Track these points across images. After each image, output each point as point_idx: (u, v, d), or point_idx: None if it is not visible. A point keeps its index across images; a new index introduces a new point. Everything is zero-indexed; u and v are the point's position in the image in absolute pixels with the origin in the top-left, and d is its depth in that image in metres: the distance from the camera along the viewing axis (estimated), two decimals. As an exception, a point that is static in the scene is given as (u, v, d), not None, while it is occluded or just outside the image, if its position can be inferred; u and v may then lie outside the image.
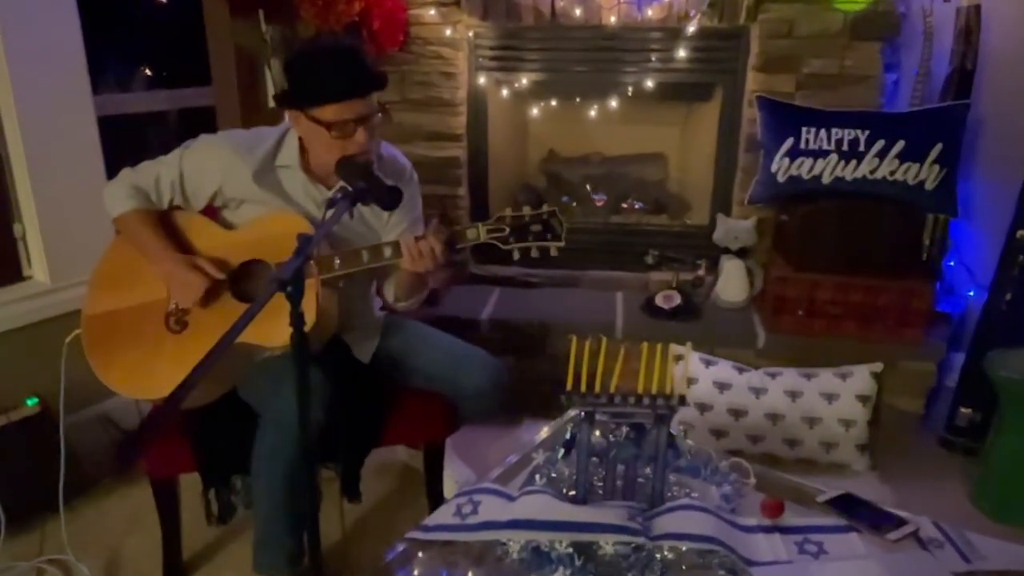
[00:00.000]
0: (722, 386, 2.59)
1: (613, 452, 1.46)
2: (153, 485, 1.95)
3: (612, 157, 3.26)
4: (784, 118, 2.63)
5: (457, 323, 2.75)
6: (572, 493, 1.52)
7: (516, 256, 1.84)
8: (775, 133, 2.64)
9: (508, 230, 1.82)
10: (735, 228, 2.82)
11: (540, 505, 1.43)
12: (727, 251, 2.85)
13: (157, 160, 1.94)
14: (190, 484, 1.95)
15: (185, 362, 1.81)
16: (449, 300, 2.95)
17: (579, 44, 2.83)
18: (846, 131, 2.56)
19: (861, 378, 2.54)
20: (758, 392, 2.57)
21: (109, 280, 1.93)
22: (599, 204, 3.18)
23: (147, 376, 1.83)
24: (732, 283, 2.85)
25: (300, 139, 1.89)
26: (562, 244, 1.84)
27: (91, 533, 2.22)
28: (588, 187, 3.22)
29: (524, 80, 2.90)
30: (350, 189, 1.65)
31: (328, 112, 1.74)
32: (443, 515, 1.50)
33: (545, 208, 1.83)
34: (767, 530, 1.47)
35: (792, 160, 2.62)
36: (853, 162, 2.57)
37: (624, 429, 1.48)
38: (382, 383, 2.06)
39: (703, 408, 2.58)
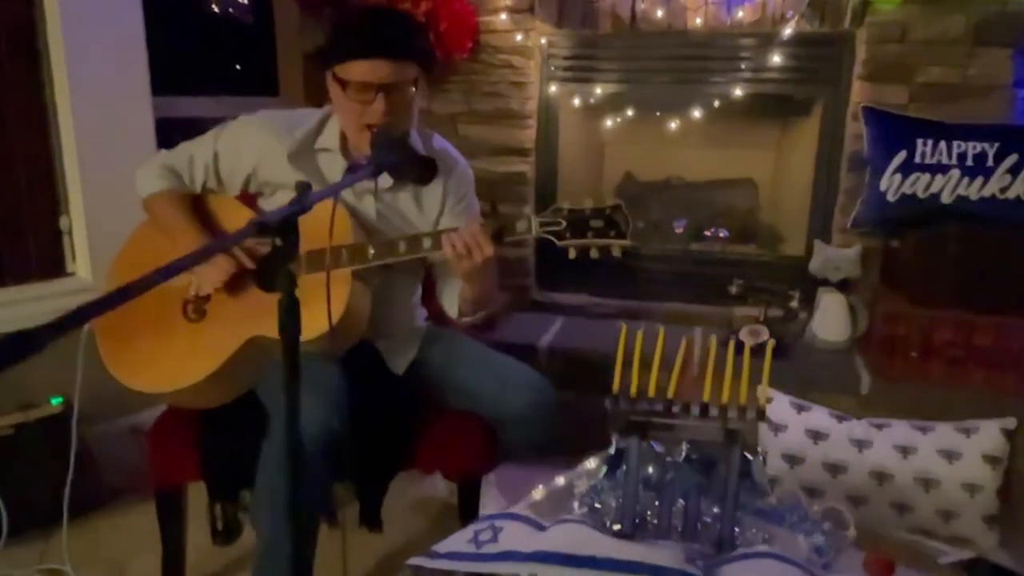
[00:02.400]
0: (816, 435, 2.21)
1: (670, 476, 1.15)
2: (156, 494, 1.75)
3: (695, 183, 2.98)
4: (895, 130, 2.30)
5: (511, 349, 2.47)
6: (617, 527, 1.22)
7: (572, 255, 1.60)
8: (884, 146, 2.31)
9: (565, 224, 1.58)
10: (835, 257, 2.47)
11: (576, 537, 1.14)
12: (826, 283, 2.50)
13: (193, 141, 1.82)
14: (198, 507, 1.76)
15: (197, 354, 1.64)
16: (506, 326, 2.70)
17: (661, 52, 2.60)
18: (970, 144, 2.21)
19: (989, 435, 2.11)
20: (861, 445, 2.17)
21: (130, 265, 1.79)
22: (678, 231, 2.89)
23: (154, 366, 1.66)
24: (831, 320, 2.48)
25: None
26: (627, 244, 1.59)
27: (98, 546, 2.05)
28: (667, 213, 2.94)
29: (599, 91, 2.68)
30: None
31: (350, 70, 1.57)
32: (456, 542, 1.22)
33: (609, 202, 1.58)
34: (873, 595, 1.12)
35: (905, 176, 2.28)
36: (980, 179, 2.20)
37: (684, 449, 1.17)
38: (416, 399, 1.82)
39: (792, 461, 2.19)
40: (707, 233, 2.89)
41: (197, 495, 1.79)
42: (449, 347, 1.87)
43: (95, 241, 2.31)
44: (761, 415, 1.12)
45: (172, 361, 1.65)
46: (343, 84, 1.58)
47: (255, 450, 1.59)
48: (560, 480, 1.46)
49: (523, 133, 2.78)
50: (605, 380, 2.49)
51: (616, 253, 1.59)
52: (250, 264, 1.63)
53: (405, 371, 1.85)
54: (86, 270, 2.34)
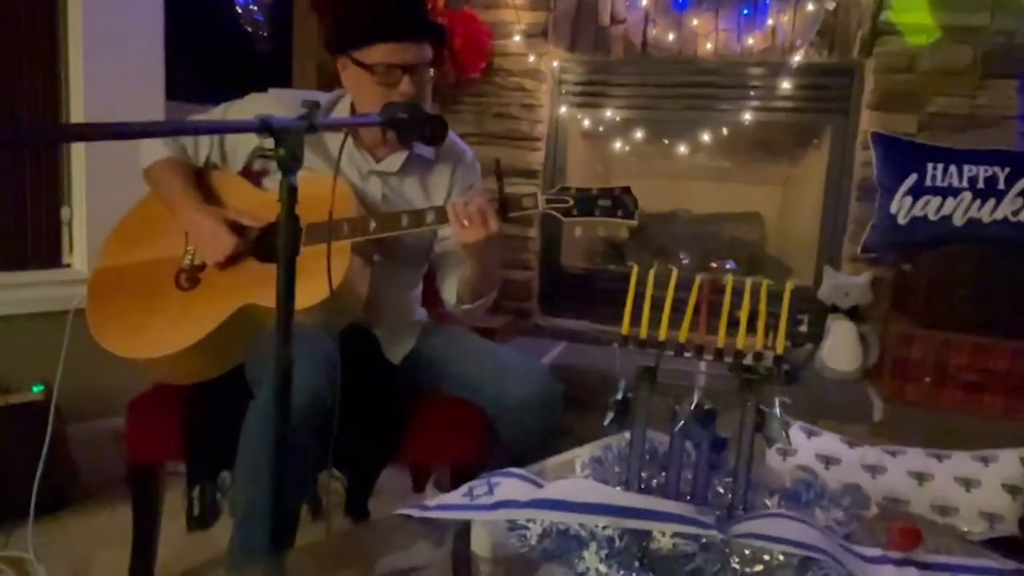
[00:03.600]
0: (828, 460, 2.11)
1: (678, 426, 1.08)
2: (130, 472, 1.65)
3: (702, 215, 2.97)
4: (905, 154, 2.30)
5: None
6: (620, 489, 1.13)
7: (577, 233, 1.56)
8: (894, 170, 2.30)
9: (572, 202, 1.55)
10: (845, 283, 2.43)
11: (577, 487, 1.05)
12: (835, 310, 2.44)
13: (202, 115, 1.80)
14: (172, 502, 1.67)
15: (186, 322, 1.58)
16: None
17: (671, 79, 2.63)
18: (981, 168, 2.20)
19: (1009, 464, 2.01)
20: (874, 471, 2.07)
21: (127, 235, 1.75)
22: (685, 263, 2.86)
23: (141, 333, 1.59)
24: (842, 348, 2.42)
25: (352, 104, 1.72)
26: (635, 224, 1.56)
27: (65, 540, 1.93)
28: (674, 244, 2.92)
29: (609, 115, 2.70)
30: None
31: (375, 53, 1.56)
32: (450, 497, 1.14)
33: (617, 185, 1.56)
34: (898, 563, 1.03)
35: (916, 199, 2.26)
36: (991, 202, 2.18)
37: (696, 398, 1.09)
38: (412, 390, 1.75)
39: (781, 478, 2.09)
40: (713, 265, 2.85)
41: (170, 488, 1.71)
42: (448, 338, 1.81)
43: (93, 235, 2.27)
44: (781, 366, 1.05)
45: (160, 328, 1.58)
46: (368, 68, 1.58)
47: (240, 429, 1.51)
48: (559, 458, 1.38)
49: (532, 155, 2.78)
50: (609, 401, 2.42)
51: (624, 234, 1.55)
52: (253, 224, 1.58)
53: (402, 361, 1.78)
54: (82, 262, 2.30)
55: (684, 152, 2.76)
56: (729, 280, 1.09)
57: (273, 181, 1.76)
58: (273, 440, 1.10)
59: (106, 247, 1.74)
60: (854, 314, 2.43)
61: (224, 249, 1.59)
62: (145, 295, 1.64)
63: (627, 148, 2.81)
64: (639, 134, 2.76)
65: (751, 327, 1.15)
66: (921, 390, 2.20)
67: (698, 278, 1.09)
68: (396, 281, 1.78)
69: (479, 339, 1.83)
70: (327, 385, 1.45)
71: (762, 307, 1.08)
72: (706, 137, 2.66)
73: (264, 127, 0.96)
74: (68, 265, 2.31)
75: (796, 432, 2.18)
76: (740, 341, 1.07)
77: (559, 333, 2.79)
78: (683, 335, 1.08)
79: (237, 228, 1.61)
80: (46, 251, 2.27)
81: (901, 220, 2.28)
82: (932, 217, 2.25)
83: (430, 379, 1.75)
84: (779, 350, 1.06)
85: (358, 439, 1.62)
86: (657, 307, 1.09)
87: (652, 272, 1.10)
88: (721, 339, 1.09)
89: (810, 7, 2.41)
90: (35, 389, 2.07)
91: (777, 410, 1.07)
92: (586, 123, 2.77)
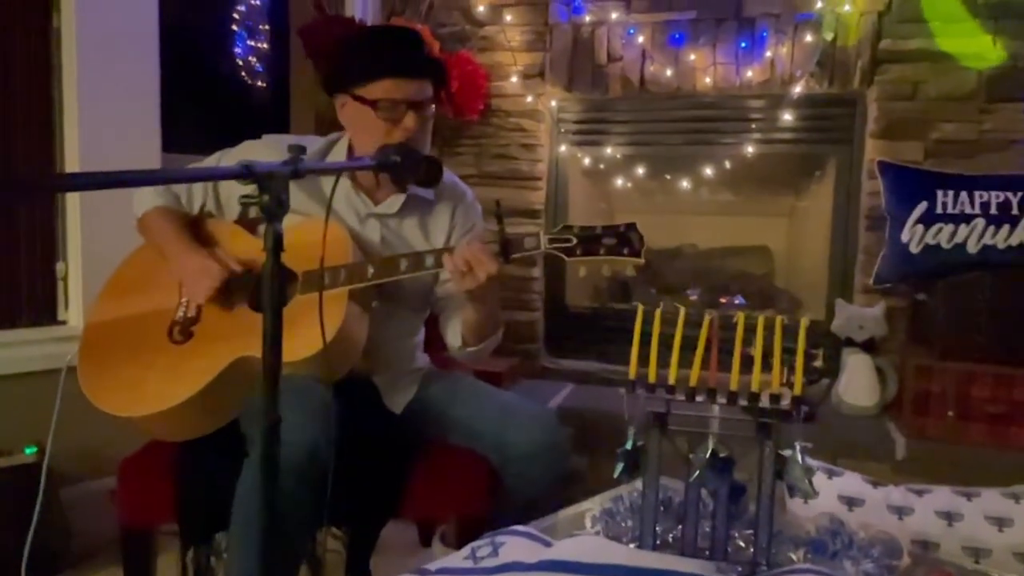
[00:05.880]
0: (851, 501, 2.01)
1: (694, 476, 1.01)
2: (123, 536, 1.58)
3: (708, 249, 2.92)
4: (913, 182, 2.25)
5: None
6: (634, 547, 1.06)
7: (582, 273, 1.52)
8: (903, 199, 2.25)
9: (575, 240, 1.50)
10: (859, 316, 2.36)
11: (587, 546, 0.98)
12: (850, 343, 2.37)
13: (195, 165, 1.77)
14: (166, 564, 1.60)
15: (180, 376, 1.52)
16: (514, 391, 2.57)
17: (670, 114, 2.61)
18: (993, 193, 2.15)
19: (1043, 500, 1.92)
20: (901, 512, 1.97)
21: (121, 287, 1.70)
22: (692, 299, 2.80)
23: (133, 389, 1.53)
24: (858, 382, 2.34)
25: (349, 146, 1.69)
26: (641, 262, 1.51)
27: (57, 608, 1.85)
28: (681, 280, 2.86)
29: (610, 152, 2.67)
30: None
31: (378, 89, 1.53)
32: (452, 559, 1.07)
33: (621, 222, 1.52)
34: (940, 620, 0.95)
35: (928, 227, 2.21)
36: (1005, 227, 2.13)
37: (710, 445, 1.02)
38: (414, 441, 1.68)
39: (805, 525, 2.00)
40: (722, 300, 2.79)
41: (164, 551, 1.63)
42: (450, 385, 1.74)
43: (89, 290, 2.23)
44: (800, 407, 0.99)
45: (154, 384, 1.53)
46: (371, 103, 1.55)
47: (234, 489, 1.44)
48: (568, 511, 1.30)
49: (533, 195, 2.75)
50: (617, 446, 2.35)
51: (630, 272, 1.50)
52: (237, 267, 1.54)
53: (404, 411, 1.71)
54: (77, 318, 2.25)
55: (687, 187, 2.72)
56: (741, 316, 1.03)
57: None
58: (262, 504, 1.03)
59: (99, 301, 1.70)
60: (869, 347, 2.35)
61: (212, 281, 1.54)
62: (138, 350, 1.59)
63: (629, 185, 2.77)
64: (641, 170, 2.73)
65: (765, 365, 1.09)
66: (944, 425, 2.11)
67: (708, 315, 1.03)
68: (396, 327, 1.73)
69: (482, 385, 1.77)
70: (320, 439, 1.38)
71: (776, 343, 1.02)
72: (708, 171, 2.62)
73: (246, 173, 0.92)
74: (63, 322, 2.26)
75: (816, 472, 2.10)
76: (755, 381, 1.01)
77: (566, 375, 2.73)
78: (694, 377, 1.02)
79: (227, 265, 1.57)
80: (40, 307, 2.22)
81: (913, 249, 2.23)
82: (945, 245, 2.19)
83: (432, 428, 1.69)
84: (797, 390, 1.00)
85: (358, 494, 1.55)
86: (666, 346, 1.03)
87: (659, 311, 1.05)
88: (734, 380, 1.03)
89: (808, 38, 2.39)
90: (28, 451, 2.00)
91: (798, 455, 1.00)
92: (587, 161, 2.74)
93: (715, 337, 1.00)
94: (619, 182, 2.78)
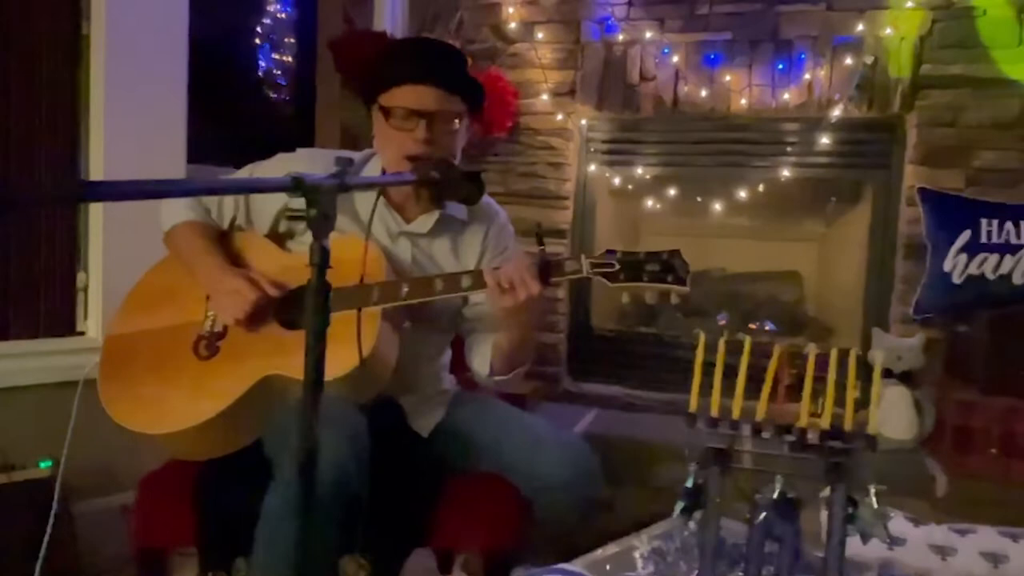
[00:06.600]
0: (892, 540, 1.94)
1: (759, 519, 0.94)
2: (138, 556, 1.52)
3: (737, 274, 2.86)
4: (956, 210, 2.20)
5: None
6: (692, 590, 0.99)
7: (625, 299, 1.46)
8: (945, 227, 2.19)
9: (618, 266, 1.44)
10: (898, 346, 2.29)
11: (642, 591, 0.92)
12: (887, 374, 2.30)
13: (226, 177, 1.73)
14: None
15: (204, 393, 1.47)
16: (537, 416, 2.51)
17: (703, 135, 2.56)
18: (1039, 222, 2.09)
19: (1093, 544, 1.84)
20: (943, 552, 1.90)
21: (143, 299, 1.65)
22: (721, 323, 2.74)
23: (155, 405, 1.48)
24: (896, 415, 2.27)
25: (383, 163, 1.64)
26: (686, 289, 1.45)
27: (66, 630, 1.78)
28: (709, 305, 2.80)
29: (640, 173, 2.63)
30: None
31: (395, 97, 1.49)
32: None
33: (665, 249, 1.47)
34: None
35: (971, 256, 2.14)
36: (1053, 259, 2.06)
37: (777, 487, 0.96)
38: (441, 465, 1.62)
39: (864, 569, 1.92)
40: (752, 326, 2.73)
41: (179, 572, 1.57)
42: (479, 408, 1.68)
43: (110, 301, 2.18)
44: (871, 443, 0.93)
45: (177, 401, 1.47)
46: (386, 113, 1.51)
47: (256, 511, 1.38)
48: (614, 547, 1.24)
49: (560, 214, 2.70)
50: (643, 475, 2.28)
51: (675, 300, 1.44)
52: (272, 291, 1.49)
53: (430, 434, 1.65)
54: (97, 330, 2.20)
55: (717, 210, 2.67)
56: (812, 349, 0.97)
57: (299, 243, 1.67)
58: (296, 533, 0.97)
59: (120, 313, 1.65)
60: (907, 379, 2.28)
61: (245, 305, 1.49)
62: (161, 364, 1.53)
63: (658, 206, 2.72)
64: (670, 191, 2.68)
65: (809, 395, 1.03)
66: (987, 462, 2.04)
67: (778, 347, 0.97)
68: (424, 348, 1.67)
69: (512, 410, 1.70)
70: (354, 465, 1.33)
71: (850, 377, 0.96)
72: (740, 194, 2.57)
73: (296, 186, 0.87)
74: (82, 333, 2.22)
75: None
76: (827, 417, 0.95)
77: (590, 399, 2.66)
78: (761, 410, 0.96)
79: (260, 288, 1.52)
80: (60, 318, 2.17)
81: (956, 279, 2.16)
82: (990, 276, 2.13)
83: (460, 453, 1.62)
84: (872, 427, 0.94)
85: (385, 521, 1.49)
86: (704, 373, 0.97)
87: (722, 340, 0.99)
88: (804, 415, 0.96)
89: (848, 61, 2.35)
90: (42, 464, 1.95)
91: (872, 499, 0.94)
92: (615, 181, 2.69)
93: (785, 369, 0.94)
94: (648, 203, 2.73)
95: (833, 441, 0.92)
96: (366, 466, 1.35)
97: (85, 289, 2.22)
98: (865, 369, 2.34)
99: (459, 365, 1.79)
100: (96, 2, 2.12)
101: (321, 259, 0.93)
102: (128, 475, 1.53)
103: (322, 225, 0.92)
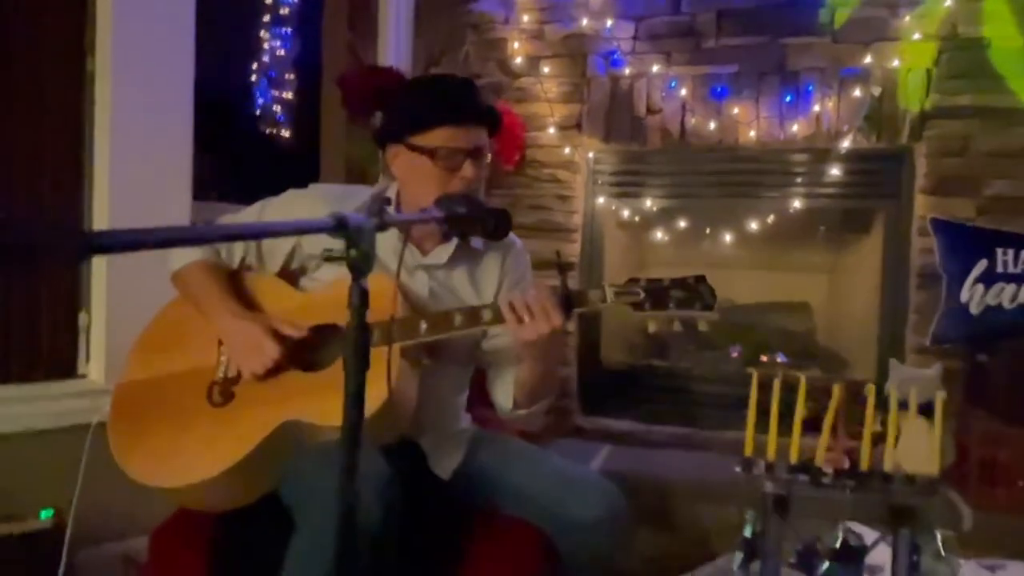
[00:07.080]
0: (919, 577, 1.89)
1: (822, 570, 0.90)
2: (151, 614, 1.46)
3: (747, 305, 2.84)
4: (970, 240, 2.19)
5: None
6: (751, 644, 0.94)
7: (652, 328, 1.43)
8: (960, 257, 2.18)
9: (643, 294, 1.42)
10: (916, 377, 2.25)
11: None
12: (904, 406, 2.26)
13: (234, 215, 1.70)
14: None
15: (220, 443, 1.42)
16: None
17: (711, 167, 2.56)
18: (1056, 252, 2.08)
19: None
20: (974, 589, 1.85)
21: (153, 345, 1.61)
22: (734, 356, 2.71)
23: (169, 457, 1.43)
24: (915, 448, 2.22)
25: (398, 194, 1.61)
26: (715, 316, 1.43)
27: None
28: (720, 337, 2.77)
29: (647, 205, 2.61)
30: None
31: (437, 137, 1.47)
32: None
33: (690, 275, 1.44)
34: None
35: (988, 286, 2.13)
36: (1071, 287, 2.05)
37: (840, 533, 0.92)
38: (463, 509, 1.57)
39: None
40: (764, 358, 2.70)
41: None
42: (501, 447, 1.64)
43: (113, 343, 2.12)
44: (935, 488, 0.89)
45: (191, 451, 1.42)
46: (430, 152, 1.48)
47: (273, 560, 1.32)
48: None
49: (567, 247, 2.68)
50: (660, 514, 2.22)
51: (703, 328, 1.41)
52: (295, 335, 1.44)
53: (451, 477, 1.60)
54: (99, 372, 2.13)
55: (725, 241, 2.65)
56: (871, 389, 0.94)
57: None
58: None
59: (130, 360, 1.60)
60: (926, 410, 2.24)
61: (268, 359, 1.45)
62: (174, 413, 1.48)
63: (667, 238, 2.71)
64: (679, 223, 2.67)
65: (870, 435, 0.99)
66: (1015, 495, 2.01)
67: (836, 387, 0.94)
68: (442, 385, 1.63)
69: (534, 449, 1.66)
70: (385, 514, 1.28)
71: (911, 415, 0.93)
72: (749, 226, 2.56)
73: (339, 226, 0.83)
74: (84, 376, 2.15)
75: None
76: (888, 460, 0.91)
77: (602, 434, 2.61)
78: (820, 454, 0.92)
79: (280, 336, 1.47)
80: (60, 361, 2.10)
81: (974, 310, 2.15)
82: (1007, 305, 2.11)
83: (483, 496, 1.58)
84: (935, 470, 0.90)
85: (407, 567, 1.43)
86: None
87: (777, 381, 0.95)
88: (865, 458, 0.93)
89: (856, 93, 2.35)
90: (44, 515, 1.87)
91: (940, 546, 0.90)
92: (623, 213, 2.68)
93: (843, 411, 0.90)
94: (656, 235, 2.72)
95: (896, 483, 0.88)
96: (395, 516, 1.30)
97: (87, 330, 2.16)
98: (879, 401, 2.31)
99: (474, 403, 1.75)
100: (101, 38, 2.10)
101: (360, 300, 0.90)
102: (130, 521, 1.46)
103: (362, 266, 0.88)
